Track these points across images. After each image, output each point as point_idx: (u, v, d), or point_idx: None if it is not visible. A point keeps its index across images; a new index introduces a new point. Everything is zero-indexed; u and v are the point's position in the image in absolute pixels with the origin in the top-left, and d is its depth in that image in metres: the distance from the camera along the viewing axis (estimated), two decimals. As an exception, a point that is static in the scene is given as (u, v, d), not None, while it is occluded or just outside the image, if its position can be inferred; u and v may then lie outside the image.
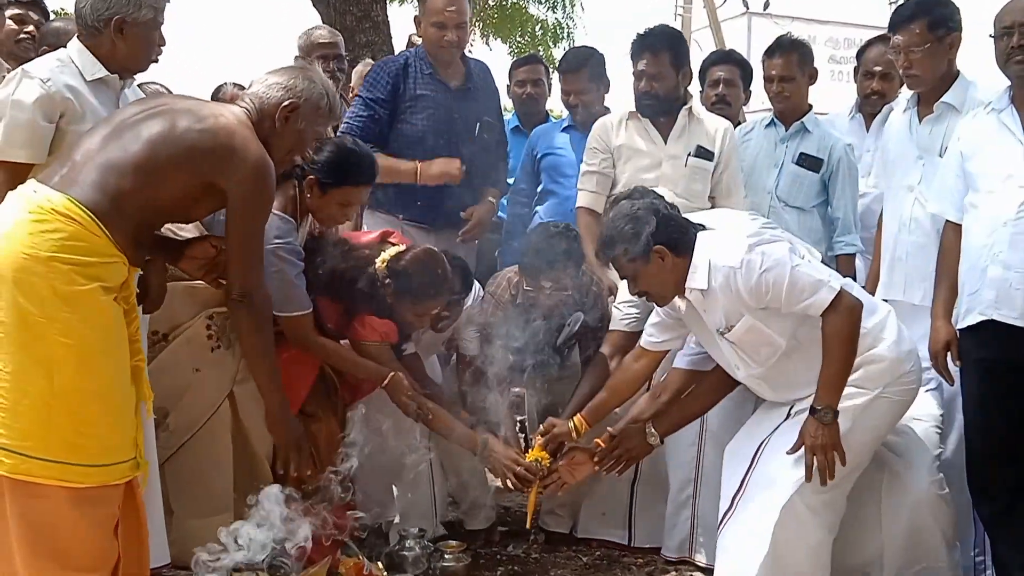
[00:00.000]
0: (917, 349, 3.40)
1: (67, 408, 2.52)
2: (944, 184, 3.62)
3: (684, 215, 3.47)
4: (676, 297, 3.36)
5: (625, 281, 3.43)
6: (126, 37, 3.18)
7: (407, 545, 3.81)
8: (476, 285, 4.08)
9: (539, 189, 4.98)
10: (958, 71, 3.88)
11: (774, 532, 3.17)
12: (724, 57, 5.21)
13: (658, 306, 3.46)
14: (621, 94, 4.53)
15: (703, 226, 3.36)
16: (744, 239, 3.23)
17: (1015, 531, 3.44)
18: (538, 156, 4.97)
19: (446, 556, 3.81)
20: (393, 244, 3.82)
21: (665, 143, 4.31)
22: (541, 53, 14.23)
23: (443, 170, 4.44)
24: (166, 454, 3.47)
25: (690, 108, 4.34)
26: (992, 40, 3.41)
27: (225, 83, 5.20)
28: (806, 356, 3.24)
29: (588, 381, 3.90)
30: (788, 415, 3.35)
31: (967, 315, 3.43)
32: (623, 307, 3.95)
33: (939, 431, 3.69)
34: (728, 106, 4.92)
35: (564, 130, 5.02)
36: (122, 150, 2.70)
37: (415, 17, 4.74)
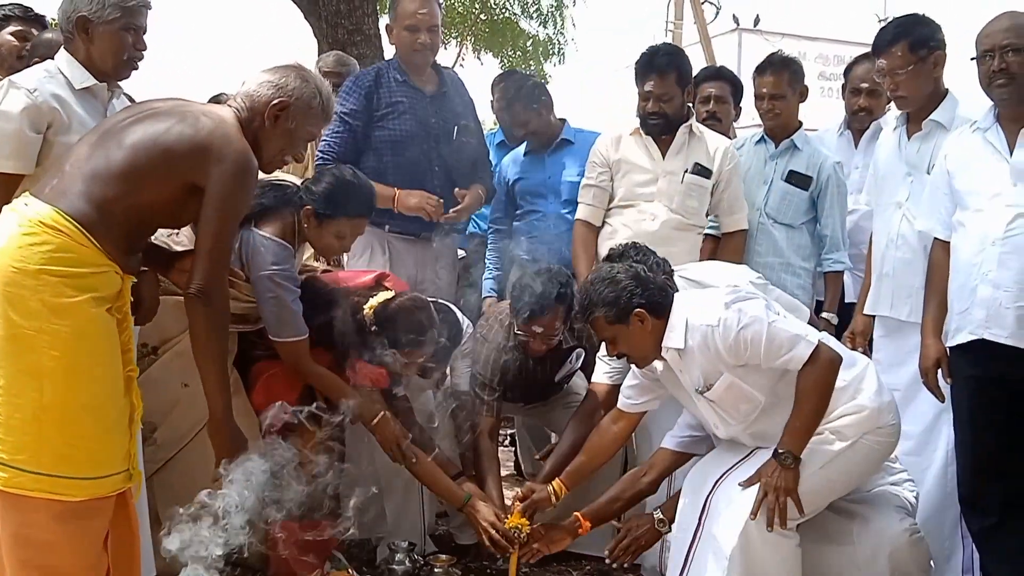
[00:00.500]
0: (895, 402, 3.39)
1: (58, 421, 2.51)
2: (932, 202, 3.64)
3: (672, 269, 3.48)
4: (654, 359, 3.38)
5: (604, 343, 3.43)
6: (92, 38, 3.17)
7: (397, 559, 3.82)
8: (467, 323, 4.10)
9: (518, 212, 5.00)
10: (946, 89, 3.91)
11: (736, 551, 3.13)
12: (715, 74, 5.24)
13: (637, 368, 3.47)
14: (614, 100, 4.55)
15: (685, 280, 3.41)
16: (720, 297, 3.27)
17: (1005, 546, 3.45)
18: (510, 182, 4.99)
19: (436, 570, 3.81)
20: (387, 288, 3.83)
21: (663, 159, 4.36)
22: (532, 68, 14.30)
23: (420, 204, 4.42)
24: (153, 468, 3.46)
25: (690, 126, 4.39)
26: (975, 62, 3.44)
27: (222, 93, 5.20)
28: (785, 411, 3.23)
29: (569, 438, 3.92)
30: (751, 452, 3.35)
31: (957, 333, 3.45)
32: (605, 361, 3.95)
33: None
34: (718, 122, 4.95)
35: (526, 155, 5.03)
36: (105, 158, 2.68)
37: (387, 25, 4.75)
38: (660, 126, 4.33)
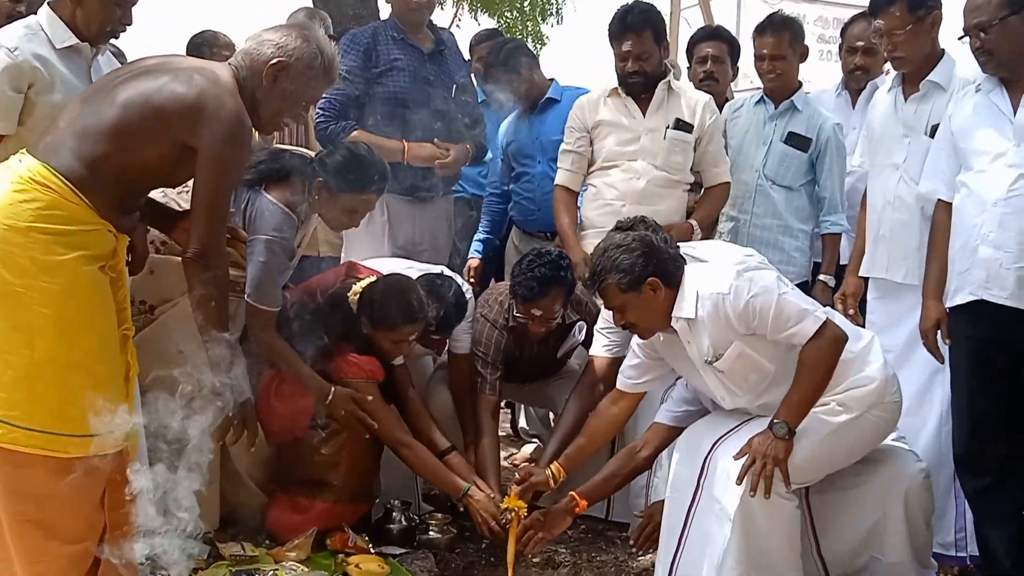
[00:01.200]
0: (897, 377, 3.40)
1: (50, 378, 2.50)
2: (936, 163, 3.62)
3: (678, 246, 3.48)
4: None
5: (611, 312, 3.39)
6: (81, 1, 3.12)
7: (392, 517, 3.84)
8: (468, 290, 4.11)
9: (512, 174, 5.01)
10: (943, 49, 3.88)
11: (739, 514, 3.14)
12: (712, 34, 5.20)
13: (642, 339, 3.43)
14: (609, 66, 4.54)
15: (691, 257, 3.36)
16: (732, 267, 3.24)
17: (999, 507, 3.46)
18: (505, 146, 5.01)
19: (431, 529, 3.83)
20: (359, 278, 3.81)
21: (644, 117, 4.35)
22: (529, 29, 14.20)
23: (434, 155, 4.45)
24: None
25: (668, 82, 4.38)
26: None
27: (207, 30, 5.14)
28: (787, 374, 3.23)
29: (570, 413, 3.93)
30: (751, 417, 3.34)
31: (957, 294, 3.44)
32: (604, 333, 3.95)
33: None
34: (716, 83, 4.93)
35: (518, 117, 5.03)
36: (96, 115, 2.64)
37: None
38: (640, 85, 4.33)
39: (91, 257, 2.59)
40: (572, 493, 3.62)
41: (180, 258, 2.82)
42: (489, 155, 5.05)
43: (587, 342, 4.19)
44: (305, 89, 2.89)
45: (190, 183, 2.81)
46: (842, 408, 3.24)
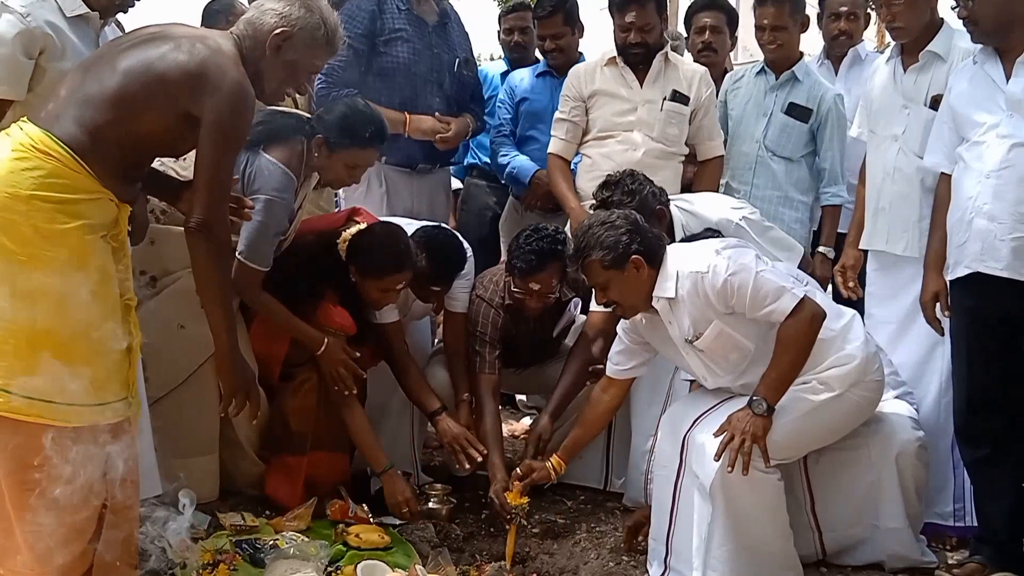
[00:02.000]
0: (879, 355, 3.43)
1: (52, 347, 2.48)
2: (938, 136, 3.62)
3: (668, 198, 3.47)
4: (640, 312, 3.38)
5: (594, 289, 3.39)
6: None
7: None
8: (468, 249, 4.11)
9: (518, 134, 5.00)
10: (942, 19, 3.87)
11: (719, 490, 3.16)
12: (709, 4, 5.14)
13: (624, 318, 3.44)
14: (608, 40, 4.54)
15: (684, 209, 3.43)
16: (711, 246, 3.27)
17: (997, 478, 3.47)
18: (517, 99, 5.00)
19: (432, 499, 3.84)
20: (358, 223, 3.81)
21: (641, 87, 4.37)
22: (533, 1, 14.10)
23: (435, 128, 4.44)
24: (149, 402, 3.45)
25: (666, 53, 4.39)
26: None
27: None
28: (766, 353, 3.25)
29: (571, 371, 3.96)
30: (731, 396, 3.36)
31: (955, 267, 3.44)
32: None
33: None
34: (714, 53, 4.93)
35: (539, 76, 5.05)
36: (99, 83, 2.61)
37: None
38: (641, 55, 4.34)
39: (93, 226, 2.57)
40: (553, 457, 3.68)
41: (182, 228, 2.79)
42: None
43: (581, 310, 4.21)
44: (308, 59, 2.87)
45: (190, 154, 2.79)
46: (823, 387, 3.25)
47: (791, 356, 3.16)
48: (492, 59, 6.20)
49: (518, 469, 3.72)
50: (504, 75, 5.43)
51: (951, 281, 3.50)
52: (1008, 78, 3.35)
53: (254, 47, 2.79)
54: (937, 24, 3.85)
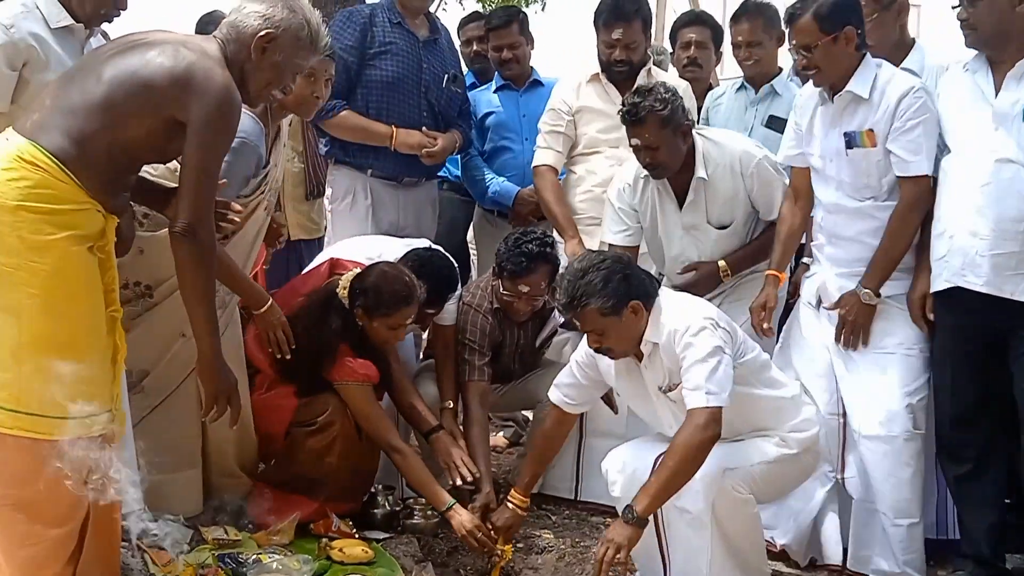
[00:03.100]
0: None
1: (37, 358, 2.47)
2: (931, 142, 3.53)
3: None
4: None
5: (588, 335, 3.30)
6: None
7: (376, 502, 3.83)
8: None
9: (487, 148, 5.00)
10: (913, 39, 3.89)
11: (712, 518, 3.16)
12: (695, 19, 5.20)
13: (612, 359, 3.35)
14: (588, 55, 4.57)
15: (704, 137, 3.48)
16: (704, 313, 3.23)
17: (980, 493, 3.49)
18: (479, 116, 5.00)
19: (415, 513, 3.83)
20: (342, 273, 3.78)
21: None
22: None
23: (422, 143, 4.44)
24: (139, 415, 3.42)
25: (649, 69, 4.42)
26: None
27: (216, 11, 5.09)
28: (740, 418, 3.25)
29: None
30: None
31: (936, 280, 3.45)
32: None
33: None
34: (699, 68, 4.93)
35: (498, 91, 5.05)
36: (83, 92, 2.61)
37: None
38: (625, 72, 4.37)
39: (80, 237, 2.56)
40: (513, 495, 3.63)
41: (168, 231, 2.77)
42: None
43: (566, 323, 4.19)
44: (293, 59, 2.86)
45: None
46: (784, 443, 3.27)
47: (677, 465, 3.03)
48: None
49: (490, 522, 3.63)
50: (470, 86, 5.39)
51: (934, 294, 3.50)
52: (997, 91, 3.33)
53: (238, 50, 2.78)
54: (908, 43, 3.84)
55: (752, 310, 3.85)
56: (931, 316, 3.54)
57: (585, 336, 3.33)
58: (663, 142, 3.76)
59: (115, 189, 2.69)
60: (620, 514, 3.12)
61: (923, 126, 3.46)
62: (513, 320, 4.10)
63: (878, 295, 3.53)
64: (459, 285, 4.07)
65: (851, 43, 3.50)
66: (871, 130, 3.50)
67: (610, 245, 4.04)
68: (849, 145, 3.55)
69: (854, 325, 3.57)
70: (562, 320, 4.19)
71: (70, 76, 2.71)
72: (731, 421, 3.21)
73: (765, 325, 3.81)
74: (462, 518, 3.59)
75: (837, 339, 3.59)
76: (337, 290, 3.69)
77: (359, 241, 4.19)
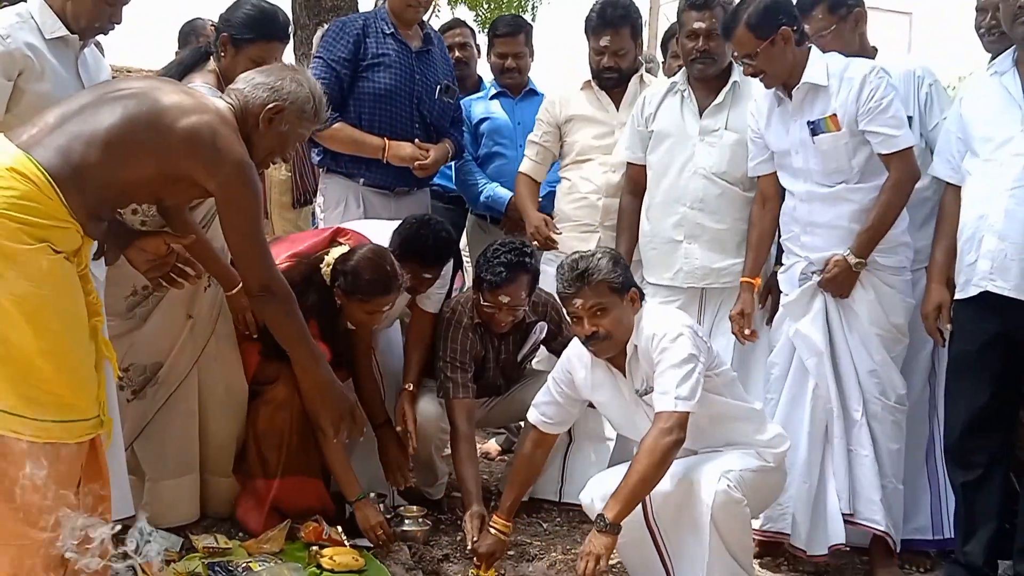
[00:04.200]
0: None
1: (20, 364, 2.48)
2: (946, 146, 3.59)
3: None
4: (575, 367, 3.44)
5: (586, 316, 3.28)
6: None
7: (368, 510, 3.83)
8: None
9: (481, 153, 5.03)
10: (875, 48, 3.92)
11: (711, 523, 3.16)
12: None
13: (597, 355, 3.37)
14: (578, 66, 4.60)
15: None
16: (682, 322, 3.27)
17: (985, 502, 3.47)
18: (475, 122, 5.04)
19: (406, 521, 3.82)
20: (341, 243, 3.81)
21: (617, 111, 4.42)
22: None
23: (415, 155, 4.45)
24: (153, 408, 3.56)
25: (640, 76, 4.45)
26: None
27: (197, 19, 5.11)
28: (717, 427, 3.31)
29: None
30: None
31: (965, 286, 3.42)
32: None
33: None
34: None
35: (493, 98, 5.09)
36: (96, 123, 2.64)
37: None
38: (615, 80, 4.40)
39: (56, 250, 2.57)
40: (495, 520, 3.60)
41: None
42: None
43: (546, 340, 4.25)
44: (297, 129, 3.01)
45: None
46: (761, 457, 3.28)
47: (644, 469, 3.06)
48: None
49: (475, 558, 3.61)
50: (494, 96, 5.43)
51: (957, 301, 3.48)
52: None
53: (245, 118, 2.91)
54: (870, 52, 3.87)
55: (732, 318, 3.90)
56: (947, 327, 3.54)
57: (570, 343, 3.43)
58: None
59: (99, 217, 2.73)
60: (595, 524, 3.13)
61: (895, 102, 3.54)
62: (494, 333, 4.11)
63: (864, 263, 3.56)
64: (446, 268, 4.08)
65: (789, 42, 3.58)
66: (834, 115, 3.58)
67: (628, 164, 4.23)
68: (814, 132, 3.61)
69: (835, 282, 3.59)
70: (543, 335, 4.19)
71: (82, 103, 2.72)
72: (706, 429, 3.26)
73: (747, 331, 3.86)
74: (367, 512, 3.67)
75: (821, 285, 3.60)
76: (321, 265, 3.71)
77: (374, 224, 4.21)
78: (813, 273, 3.68)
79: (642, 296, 3.36)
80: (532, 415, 3.59)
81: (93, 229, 2.69)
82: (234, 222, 2.87)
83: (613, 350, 3.33)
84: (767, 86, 3.69)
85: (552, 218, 4.48)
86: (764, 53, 3.56)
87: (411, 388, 4.06)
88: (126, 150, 2.66)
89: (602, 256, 3.29)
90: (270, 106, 2.91)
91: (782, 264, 3.93)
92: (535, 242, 4.31)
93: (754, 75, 3.67)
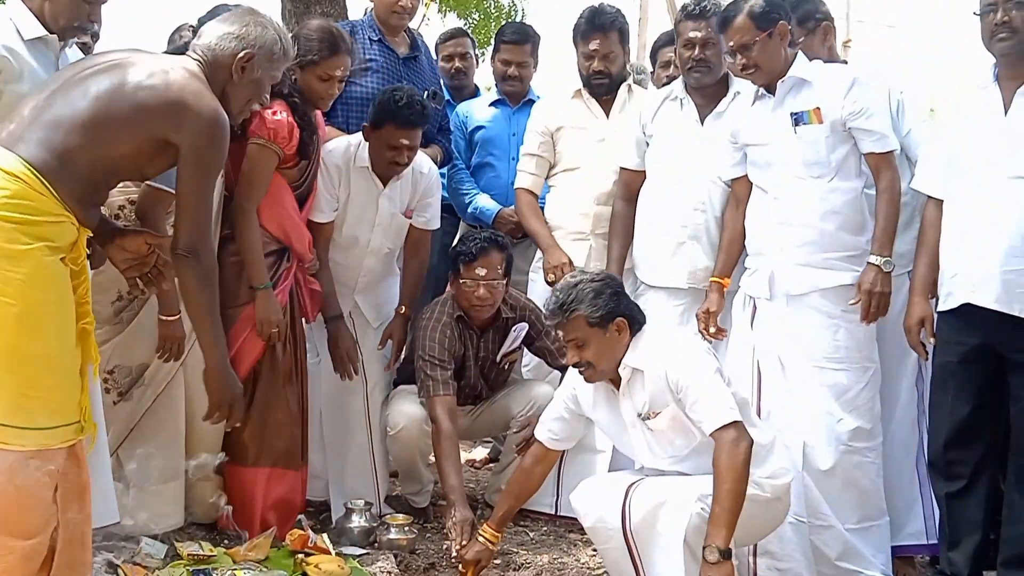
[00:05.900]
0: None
1: (8, 369, 2.46)
2: (928, 158, 3.59)
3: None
4: (578, 383, 3.40)
5: (569, 347, 3.30)
6: None
7: (353, 518, 3.82)
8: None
9: (473, 162, 5.01)
10: (844, 61, 3.98)
11: (686, 543, 3.11)
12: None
13: (588, 381, 3.35)
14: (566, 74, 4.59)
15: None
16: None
17: (968, 514, 3.47)
18: (469, 130, 5.02)
19: (392, 529, 3.81)
20: None
21: (608, 118, 4.42)
22: (494, 30, 14.15)
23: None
24: (140, 410, 3.57)
25: (628, 84, 4.47)
26: (978, 18, 3.38)
27: (184, 24, 5.07)
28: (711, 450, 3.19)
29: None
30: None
31: (946, 299, 3.43)
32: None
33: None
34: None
35: (492, 104, 5.07)
36: (69, 107, 2.63)
37: None
38: (605, 86, 4.41)
39: (53, 248, 2.55)
40: (485, 529, 3.57)
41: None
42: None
43: (527, 342, 4.26)
44: (269, 72, 2.97)
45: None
46: (757, 486, 3.19)
47: (730, 486, 3.03)
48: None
49: (460, 565, 3.58)
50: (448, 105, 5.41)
51: (941, 313, 3.48)
52: (1007, 108, 3.33)
53: (217, 71, 2.87)
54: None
55: (697, 316, 3.93)
56: (929, 341, 3.53)
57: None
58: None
59: (90, 202, 2.71)
60: (704, 559, 3.02)
61: (884, 106, 3.65)
62: (473, 328, 4.12)
63: (891, 261, 3.54)
64: (435, 177, 4.24)
65: (786, 38, 3.66)
66: (818, 108, 3.63)
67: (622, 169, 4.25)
68: (797, 123, 3.66)
69: (881, 296, 3.54)
70: (523, 335, 4.19)
71: (51, 89, 2.70)
72: (704, 454, 3.18)
73: (712, 329, 3.88)
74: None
75: (864, 318, 3.57)
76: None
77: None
78: (776, 296, 3.68)
79: (636, 322, 3.29)
80: (539, 431, 3.57)
81: (87, 217, 2.69)
82: (190, 175, 2.78)
83: (602, 377, 3.31)
84: (756, 82, 3.73)
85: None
86: (761, 44, 3.61)
87: (404, 311, 4.21)
88: (104, 127, 2.65)
89: (587, 286, 3.24)
90: (240, 55, 2.88)
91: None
92: (550, 276, 4.24)
93: (744, 69, 3.69)
